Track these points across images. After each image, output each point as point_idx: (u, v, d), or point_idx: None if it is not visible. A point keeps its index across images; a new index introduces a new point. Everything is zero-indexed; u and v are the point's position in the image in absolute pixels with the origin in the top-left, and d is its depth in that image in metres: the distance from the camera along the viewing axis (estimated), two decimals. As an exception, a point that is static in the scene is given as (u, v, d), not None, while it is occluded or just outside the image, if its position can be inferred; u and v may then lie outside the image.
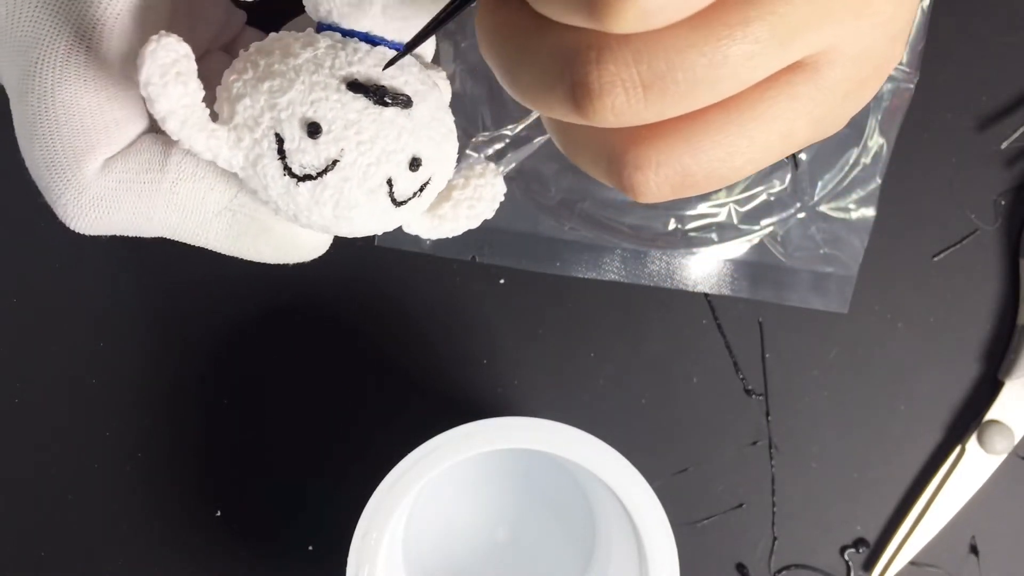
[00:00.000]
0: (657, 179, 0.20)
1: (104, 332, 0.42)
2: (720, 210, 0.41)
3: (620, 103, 0.19)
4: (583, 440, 0.34)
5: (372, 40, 0.27)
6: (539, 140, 0.40)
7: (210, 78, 0.26)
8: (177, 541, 0.43)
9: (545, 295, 0.42)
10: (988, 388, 0.43)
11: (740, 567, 0.43)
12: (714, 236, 0.41)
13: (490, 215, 0.30)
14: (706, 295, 0.42)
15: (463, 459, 0.34)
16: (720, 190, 0.41)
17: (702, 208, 0.41)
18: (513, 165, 0.40)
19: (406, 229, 0.30)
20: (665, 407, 0.42)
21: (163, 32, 0.24)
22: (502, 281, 0.42)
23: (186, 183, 0.27)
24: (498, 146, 0.40)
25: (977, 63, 0.42)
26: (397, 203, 0.27)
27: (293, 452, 0.42)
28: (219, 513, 0.42)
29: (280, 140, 0.26)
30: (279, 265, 0.31)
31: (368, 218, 0.27)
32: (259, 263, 0.30)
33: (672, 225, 0.41)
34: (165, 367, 0.42)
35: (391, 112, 0.26)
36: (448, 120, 0.28)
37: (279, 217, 0.28)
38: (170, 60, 0.24)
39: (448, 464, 0.34)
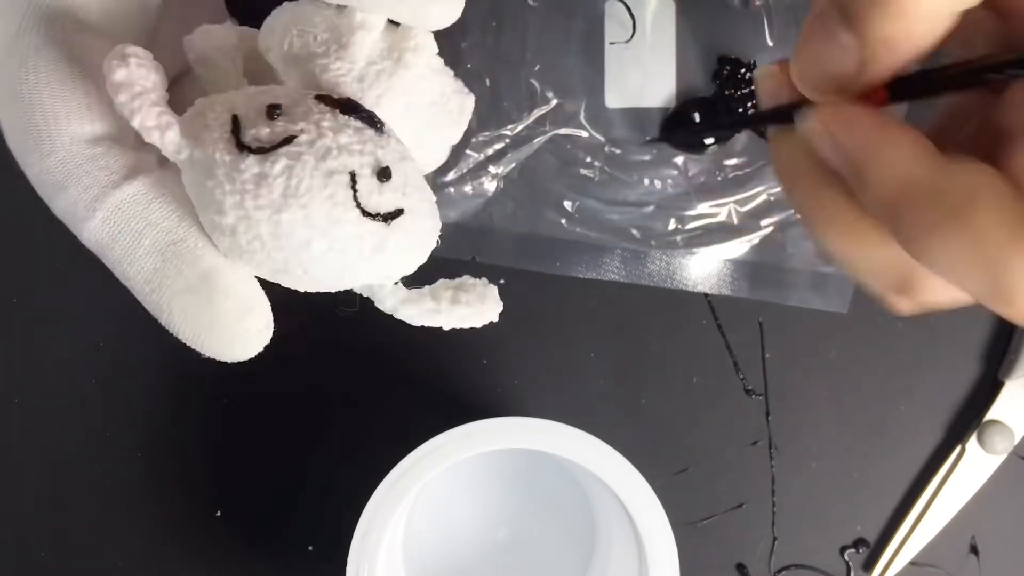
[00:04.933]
0: None
1: (104, 332, 0.42)
2: (720, 210, 0.41)
3: None
4: (583, 440, 0.34)
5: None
6: (539, 140, 0.40)
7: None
8: (177, 541, 0.42)
9: (545, 295, 0.42)
10: (988, 388, 0.42)
11: (740, 567, 0.43)
12: (714, 236, 0.41)
13: (472, 324, 0.31)
14: (706, 295, 0.42)
15: (463, 459, 0.34)
16: (720, 190, 0.41)
17: (702, 208, 0.41)
18: (513, 165, 0.40)
19: (378, 295, 0.29)
20: (665, 407, 0.42)
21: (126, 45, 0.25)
22: (502, 281, 0.42)
23: (135, 206, 0.26)
24: (498, 146, 0.40)
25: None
26: (363, 211, 0.25)
27: (293, 452, 0.42)
28: (219, 513, 0.42)
29: (236, 120, 0.25)
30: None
31: (325, 219, 0.25)
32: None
33: (672, 225, 0.41)
34: (165, 367, 0.42)
35: (358, 122, 0.25)
36: (428, 192, 0.28)
37: (217, 259, 0.27)
38: (131, 51, 0.25)
39: (448, 464, 0.34)
